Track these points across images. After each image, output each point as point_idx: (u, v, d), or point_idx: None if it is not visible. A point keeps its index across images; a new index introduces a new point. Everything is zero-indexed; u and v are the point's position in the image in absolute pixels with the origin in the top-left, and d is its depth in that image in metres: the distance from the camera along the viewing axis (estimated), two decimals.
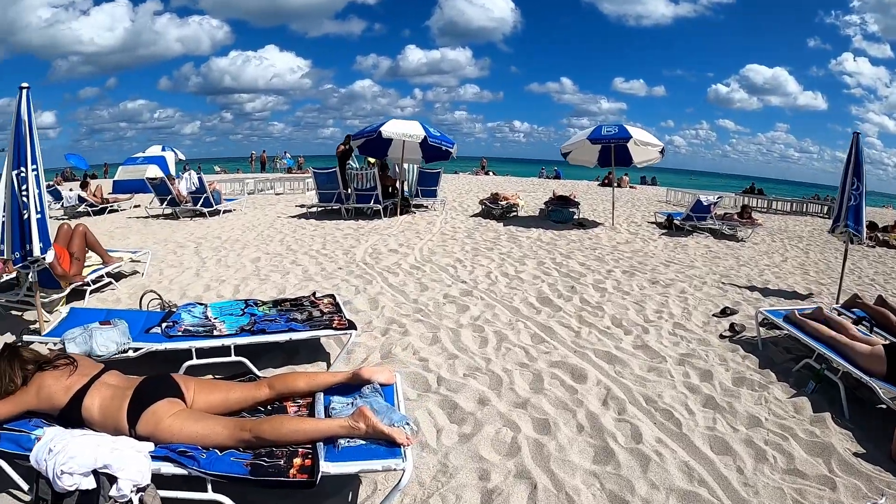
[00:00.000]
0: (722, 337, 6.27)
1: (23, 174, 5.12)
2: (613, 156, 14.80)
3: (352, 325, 5.39)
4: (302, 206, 16.55)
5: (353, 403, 3.47)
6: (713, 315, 7.02)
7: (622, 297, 7.68)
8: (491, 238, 11.97)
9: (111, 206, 18.03)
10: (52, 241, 5.64)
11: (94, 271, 7.71)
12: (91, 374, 3.35)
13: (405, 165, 16.71)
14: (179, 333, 4.95)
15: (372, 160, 17.15)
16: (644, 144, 13.28)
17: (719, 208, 14.59)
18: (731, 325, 6.41)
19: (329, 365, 5.24)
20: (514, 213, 15.79)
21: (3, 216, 5.33)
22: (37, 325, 5.73)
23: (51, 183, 26.85)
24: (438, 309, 6.99)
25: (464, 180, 31.15)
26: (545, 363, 5.37)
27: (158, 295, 6.61)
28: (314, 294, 6.42)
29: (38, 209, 5.29)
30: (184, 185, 16.51)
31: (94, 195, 17.98)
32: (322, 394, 3.63)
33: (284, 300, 6.29)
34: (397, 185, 16.33)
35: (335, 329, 5.30)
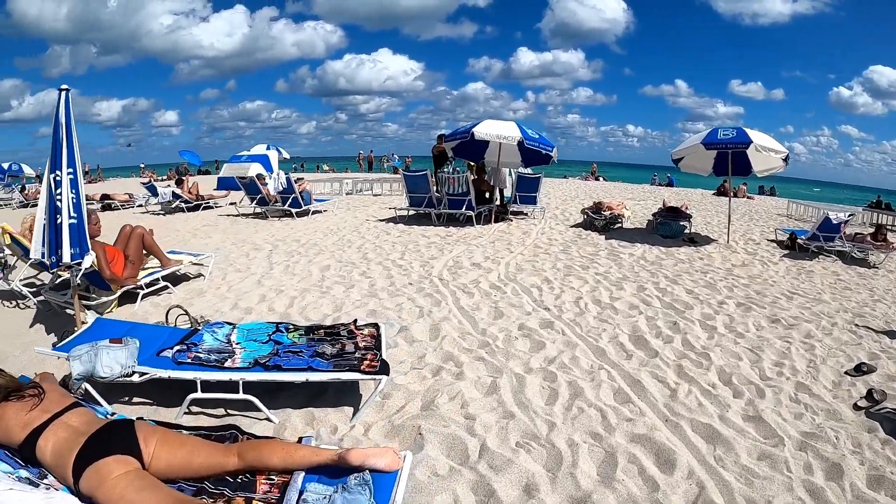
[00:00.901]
0: (857, 408, 4.80)
1: (58, 177, 5.08)
2: (731, 163, 13.13)
3: (383, 369, 4.47)
4: (394, 208, 15.52)
5: (329, 498, 2.83)
6: (846, 372, 5.56)
7: (734, 342, 6.29)
8: (588, 253, 10.84)
9: (206, 203, 18.32)
10: (89, 245, 5.51)
11: (149, 274, 7.54)
12: (53, 410, 2.97)
13: (503, 170, 15.64)
14: (188, 360, 4.51)
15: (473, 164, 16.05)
16: (766, 151, 11.70)
17: (849, 227, 12.84)
18: (870, 392, 4.94)
19: (356, 411, 4.45)
20: (619, 225, 14.38)
21: (44, 219, 5.27)
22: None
23: (147, 179, 27.34)
24: (508, 345, 5.91)
25: (571, 186, 29.82)
26: (624, 436, 4.14)
27: (185, 310, 6.00)
28: (355, 322, 5.53)
29: (73, 214, 5.24)
30: (272, 184, 16.19)
31: (190, 192, 18.27)
32: (302, 474, 3.00)
33: (319, 327, 5.46)
34: (495, 190, 15.47)
35: (362, 372, 4.43)
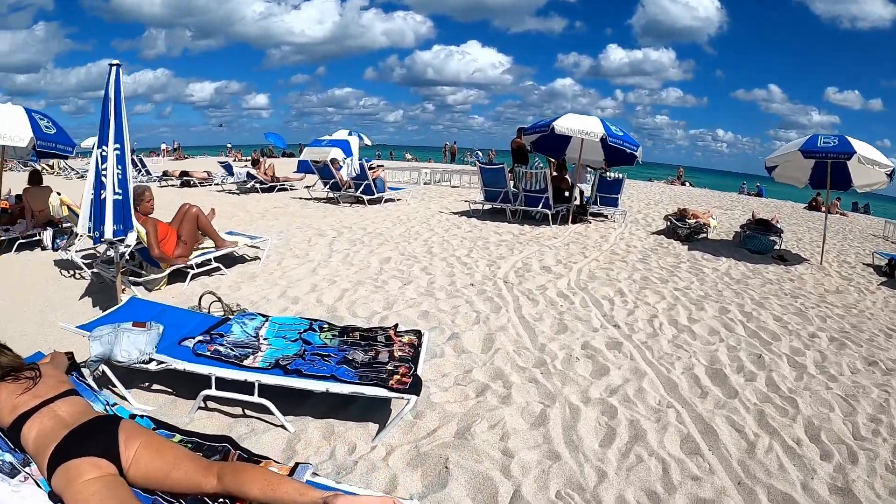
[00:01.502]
0: None
1: (105, 153, 5.13)
2: (829, 174, 12.09)
3: (415, 387, 3.96)
4: (469, 201, 14.98)
5: None
6: None
7: (826, 385, 5.48)
8: (669, 265, 10.12)
9: (281, 185, 18.57)
10: (133, 222, 5.60)
11: (202, 255, 7.51)
12: (44, 396, 2.84)
13: (585, 168, 15.01)
14: (208, 353, 4.26)
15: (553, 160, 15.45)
16: (870, 164, 10.67)
17: None
18: None
19: (381, 429, 3.99)
20: (704, 235, 13.44)
21: (91, 194, 5.35)
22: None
23: (233, 158, 27.71)
24: (567, 367, 5.30)
25: (656, 189, 28.90)
26: (687, 499, 3.47)
27: (218, 297, 5.78)
28: (395, 328, 5.00)
29: (118, 190, 5.28)
30: (345, 170, 15.92)
31: (265, 173, 18.52)
32: None
33: (355, 329, 5.02)
34: (575, 189, 14.79)
35: (389, 388, 3.92)
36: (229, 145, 48.01)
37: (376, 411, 4.19)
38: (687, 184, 36.74)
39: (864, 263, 12.56)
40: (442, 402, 4.43)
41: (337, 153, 23.10)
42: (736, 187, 36.40)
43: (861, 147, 10.65)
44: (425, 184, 22.37)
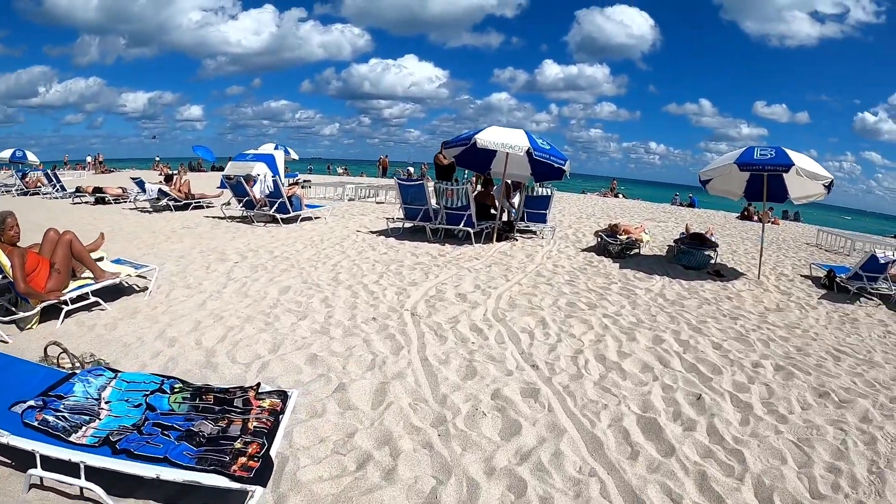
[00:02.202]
0: None
1: None
2: (766, 187, 11.52)
3: (261, 474, 3.13)
4: (389, 219, 14.02)
5: None
6: None
7: (775, 429, 4.72)
8: (599, 286, 9.34)
9: (196, 202, 17.52)
10: None
11: (78, 288, 6.59)
12: None
13: (510, 183, 14.26)
14: (35, 423, 3.48)
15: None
16: (809, 176, 10.08)
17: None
18: None
19: None
20: (636, 251, 12.79)
21: None
22: None
23: (137, 175, 26.55)
24: (471, 425, 4.41)
25: (589, 202, 28.30)
26: None
27: (64, 348, 4.88)
28: (257, 388, 4.07)
29: None
30: (258, 187, 14.84)
31: (179, 190, 17.46)
32: None
33: (209, 390, 4.18)
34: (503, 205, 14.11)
35: (230, 476, 3.08)
36: (157, 158, 46.31)
37: (230, 494, 3.24)
38: (620, 195, 36.62)
39: (801, 275, 12.06)
40: (311, 479, 3.52)
41: (261, 168, 21.96)
42: (669, 198, 36.21)
43: (799, 159, 10.05)
44: (350, 200, 21.42)
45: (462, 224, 12.31)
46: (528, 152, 11.59)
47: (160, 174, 27.20)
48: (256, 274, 8.88)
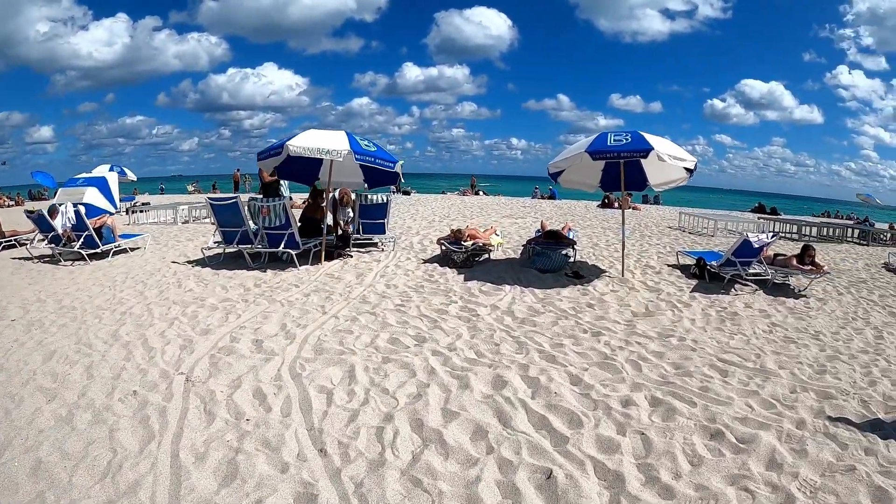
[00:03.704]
0: None
1: None
2: (623, 176, 10.21)
3: None
4: (204, 248, 12.06)
5: None
6: None
7: None
8: (435, 308, 7.79)
9: (7, 241, 14.81)
10: None
11: None
12: None
13: (334, 193, 12.62)
14: None
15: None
16: (671, 159, 8.77)
17: (771, 248, 10.13)
18: None
19: None
20: (486, 257, 11.25)
21: None
22: None
23: None
24: None
25: (447, 202, 26.77)
26: None
27: None
28: None
29: None
30: (60, 219, 12.48)
31: None
32: None
33: None
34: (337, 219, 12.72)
35: None
36: None
37: None
38: (480, 193, 35.63)
39: (668, 265, 10.90)
40: None
41: (92, 194, 19.61)
42: (530, 191, 35.19)
43: (658, 143, 8.78)
44: (184, 222, 19.08)
45: (283, 245, 10.45)
46: (349, 156, 9.85)
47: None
48: (27, 335, 6.99)
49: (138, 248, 13.53)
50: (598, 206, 25.47)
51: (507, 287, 8.88)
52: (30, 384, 5.39)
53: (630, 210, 24.30)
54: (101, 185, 22.05)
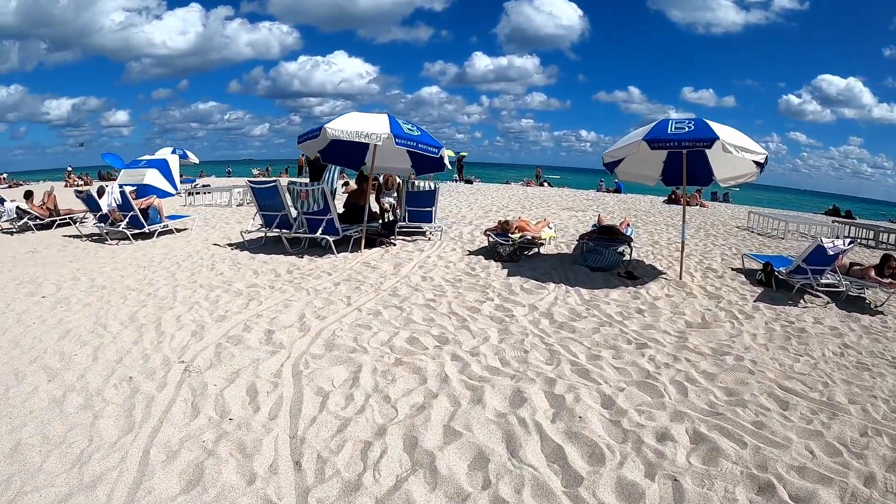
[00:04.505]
0: None
1: None
2: (685, 167, 9.31)
3: None
4: (244, 231, 11.53)
5: None
6: None
7: None
8: (468, 305, 7.18)
9: (62, 219, 14.78)
10: None
11: None
12: None
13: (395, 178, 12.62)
14: None
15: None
16: (739, 151, 7.94)
17: (847, 257, 9.20)
18: None
19: None
20: (535, 251, 10.57)
21: None
22: None
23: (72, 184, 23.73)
24: None
25: (508, 193, 26.15)
26: None
27: None
28: None
29: None
30: (105, 199, 12.24)
31: (44, 206, 14.78)
32: None
33: None
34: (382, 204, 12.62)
35: None
36: (69, 168, 42.42)
37: None
38: (545, 184, 34.74)
39: (732, 269, 10.02)
40: None
41: (153, 175, 19.74)
42: (596, 184, 34.18)
43: (724, 132, 7.97)
44: (238, 205, 18.77)
45: (320, 231, 9.91)
46: (388, 139, 9.31)
47: (68, 185, 24.77)
48: (51, 313, 6.77)
49: (187, 228, 13.31)
50: (664, 201, 24.42)
51: (552, 286, 8.18)
52: (36, 362, 5.18)
53: (697, 207, 23.27)
54: (163, 166, 22.10)
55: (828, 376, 5.44)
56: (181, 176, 24.74)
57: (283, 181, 10.91)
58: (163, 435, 3.88)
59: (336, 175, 13.72)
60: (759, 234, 16.18)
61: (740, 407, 4.57)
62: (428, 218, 11.99)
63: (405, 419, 4.13)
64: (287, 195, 10.49)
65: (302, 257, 9.80)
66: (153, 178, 20.10)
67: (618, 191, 30.12)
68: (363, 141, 9.33)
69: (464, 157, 36.96)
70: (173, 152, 25.78)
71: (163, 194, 19.38)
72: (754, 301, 8.05)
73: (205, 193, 20.91)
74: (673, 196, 23.81)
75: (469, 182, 33.62)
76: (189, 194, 20.13)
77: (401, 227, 11.76)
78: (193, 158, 30.02)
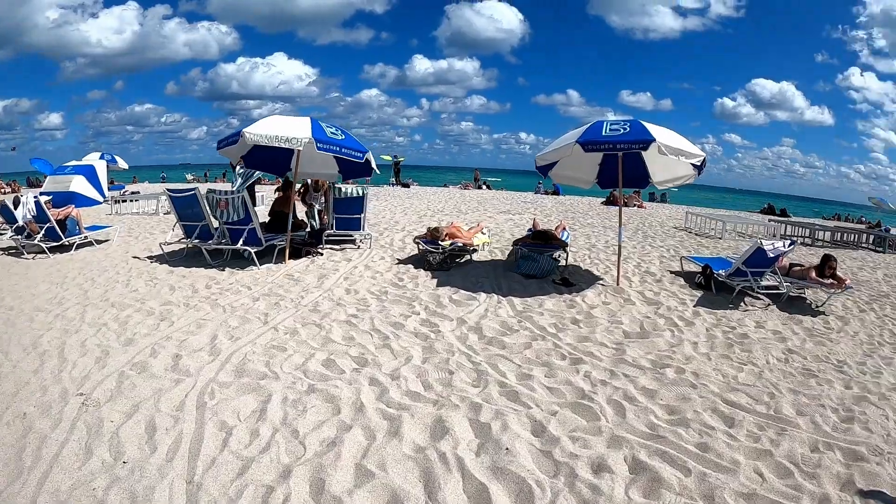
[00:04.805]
0: None
1: None
2: (621, 169, 9.03)
3: None
4: (163, 244, 10.74)
5: None
6: None
7: None
8: (392, 321, 6.68)
9: None
10: None
11: None
12: None
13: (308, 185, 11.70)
14: None
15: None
16: (676, 153, 7.65)
17: (787, 257, 8.97)
18: None
19: None
20: (467, 258, 10.15)
21: None
22: None
23: None
24: None
25: (446, 196, 25.78)
26: None
27: None
28: None
29: None
30: (20, 210, 11.46)
31: None
32: None
33: None
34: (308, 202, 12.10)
35: None
36: None
37: None
38: (484, 186, 34.51)
39: (671, 272, 9.73)
40: None
41: (79, 183, 18.91)
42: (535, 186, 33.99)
43: (661, 134, 7.70)
44: (165, 214, 18.00)
45: (241, 242, 9.34)
46: (310, 144, 8.79)
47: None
48: None
49: (108, 240, 12.48)
50: (602, 202, 24.31)
51: (483, 296, 7.76)
52: None
53: (635, 208, 23.17)
54: (90, 173, 21.14)
55: (773, 386, 5.14)
56: (110, 182, 23.88)
57: (203, 189, 10.26)
58: (52, 482, 3.41)
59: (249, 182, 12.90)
60: (696, 234, 16.12)
61: (683, 427, 4.21)
62: (357, 225, 11.47)
63: (313, 457, 3.67)
64: (206, 204, 9.87)
65: (223, 270, 9.20)
66: (79, 185, 19.23)
67: (556, 193, 29.94)
68: (284, 146, 8.81)
69: (400, 161, 36.53)
70: (101, 157, 24.86)
71: (90, 202, 18.65)
72: (694, 306, 7.77)
73: (132, 201, 20.10)
74: (611, 197, 23.71)
75: (406, 186, 33.25)
76: (116, 202, 19.32)
77: (328, 236, 11.20)
78: (122, 164, 29.11)
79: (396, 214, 16.93)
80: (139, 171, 41.34)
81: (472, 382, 4.92)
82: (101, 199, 20.56)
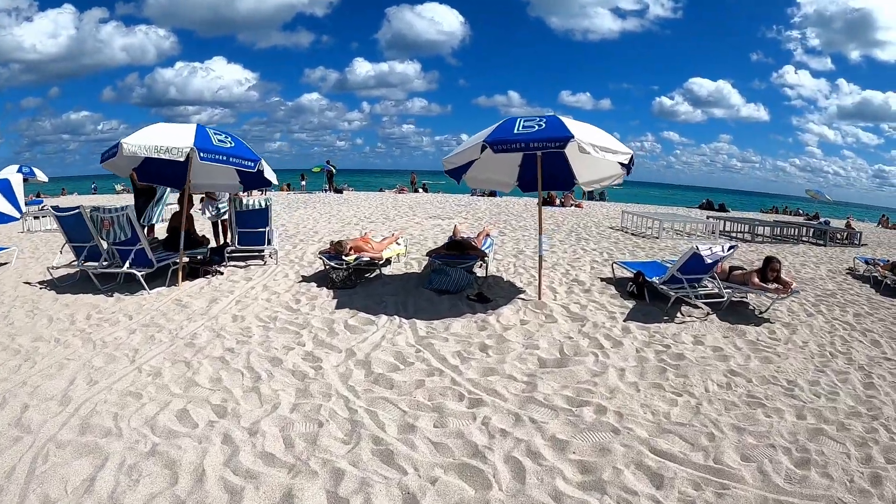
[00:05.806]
0: None
1: None
2: (541, 171, 8.21)
3: None
4: (51, 268, 9.63)
5: None
6: None
7: None
8: (272, 354, 5.82)
9: None
10: None
11: None
12: None
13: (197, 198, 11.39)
14: None
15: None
16: (599, 150, 6.88)
17: (727, 261, 8.31)
18: None
19: None
20: (376, 273, 9.30)
21: None
22: None
23: None
24: None
25: (377, 201, 24.97)
26: None
27: None
28: None
29: None
30: None
31: None
32: None
33: None
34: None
35: None
36: None
37: None
38: (421, 189, 33.96)
39: (602, 279, 9.11)
40: None
41: None
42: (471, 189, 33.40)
43: (581, 130, 6.98)
44: None
45: (128, 263, 8.37)
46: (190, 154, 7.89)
47: None
48: None
49: (6, 263, 11.42)
50: (539, 202, 23.61)
51: (384, 318, 6.92)
52: None
53: (572, 208, 22.56)
54: (4, 188, 19.86)
55: (713, 423, 4.42)
56: (35, 195, 22.78)
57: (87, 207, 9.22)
58: None
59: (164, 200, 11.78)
60: (633, 234, 15.71)
61: (597, 494, 3.41)
62: (261, 240, 10.47)
63: None
64: (91, 224, 8.87)
65: (111, 296, 8.18)
66: None
67: (493, 194, 29.26)
68: (163, 157, 7.86)
69: (333, 171, 35.43)
70: (18, 170, 23.77)
71: (5, 219, 17.43)
72: (624, 320, 7.07)
73: (43, 217, 18.92)
74: (548, 197, 23.06)
75: (339, 191, 32.34)
76: (34, 218, 18.17)
77: (230, 253, 10.23)
78: (41, 177, 27.96)
79: (319, 223, 16.01)
80: (72, 183, 39.76)
81: (343, 438, 4.07)
82: (17, 214, 19.34)
